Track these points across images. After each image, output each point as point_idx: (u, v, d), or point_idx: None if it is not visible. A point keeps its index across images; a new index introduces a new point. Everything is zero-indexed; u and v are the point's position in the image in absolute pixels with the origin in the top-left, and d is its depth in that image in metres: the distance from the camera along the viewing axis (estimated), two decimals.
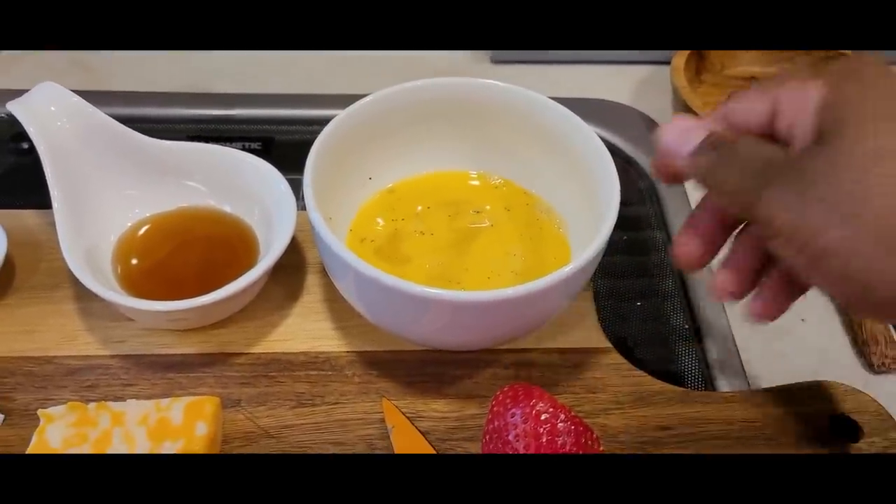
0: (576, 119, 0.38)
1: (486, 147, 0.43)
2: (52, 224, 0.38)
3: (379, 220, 0.41)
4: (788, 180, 0.26)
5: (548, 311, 0.36)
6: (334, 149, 0.38)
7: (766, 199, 0.26)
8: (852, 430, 0.36)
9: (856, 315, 0.43)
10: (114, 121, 0.41)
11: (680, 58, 0.55)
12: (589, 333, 0.40)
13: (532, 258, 0.40)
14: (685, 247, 0.32)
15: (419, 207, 0.42)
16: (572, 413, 0.31)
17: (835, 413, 0.37)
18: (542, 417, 0.31)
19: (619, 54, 0.61)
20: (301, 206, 0.50)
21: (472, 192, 0.43)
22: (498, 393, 0.33)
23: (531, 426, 0.31)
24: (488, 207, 0.42)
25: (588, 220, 0.37)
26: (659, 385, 0.38)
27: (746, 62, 0.59)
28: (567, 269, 0.32)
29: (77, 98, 0.41)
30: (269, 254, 0.38)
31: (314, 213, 0.34)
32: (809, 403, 0.37)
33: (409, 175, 0.43)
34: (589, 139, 0.38)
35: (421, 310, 0.33)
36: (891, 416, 0.37)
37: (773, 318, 0.32)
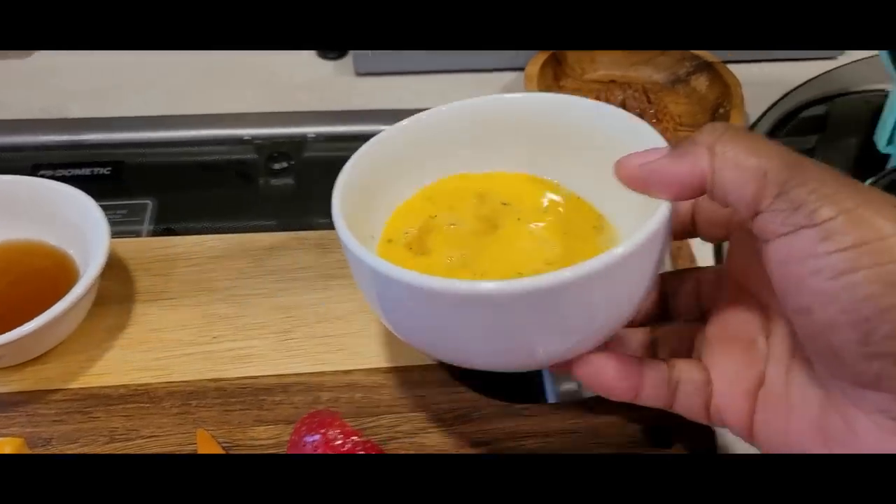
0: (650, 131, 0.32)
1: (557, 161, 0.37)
2: None
3: (414, 219, 0.37)
4: None
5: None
6: (380, 159, 0.35)
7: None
8: (667, 437, 0.36)
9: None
10: None
11: (533, 65, 0.55)
12: (415, 350, 0.39)
13: (566, 253, 0.35)
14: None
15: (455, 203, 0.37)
16: (364, 437, 0.31)
17: (652, 419, 0.37)
18: (335, 444, 0.31)
19: (482, 62, 0.61)
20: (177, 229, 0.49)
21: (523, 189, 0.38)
22: (297, 421, 0.33)
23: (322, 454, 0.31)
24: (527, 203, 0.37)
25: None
26: (484, 400, 0.38)
27: (606, 66, 0.59)
28: (618, 251, 0.26)
29: None
30: (79, 284, 0.37)
31: (338, 216, 0.31)
32: (629, 411, 0.37)
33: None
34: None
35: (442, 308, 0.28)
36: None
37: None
